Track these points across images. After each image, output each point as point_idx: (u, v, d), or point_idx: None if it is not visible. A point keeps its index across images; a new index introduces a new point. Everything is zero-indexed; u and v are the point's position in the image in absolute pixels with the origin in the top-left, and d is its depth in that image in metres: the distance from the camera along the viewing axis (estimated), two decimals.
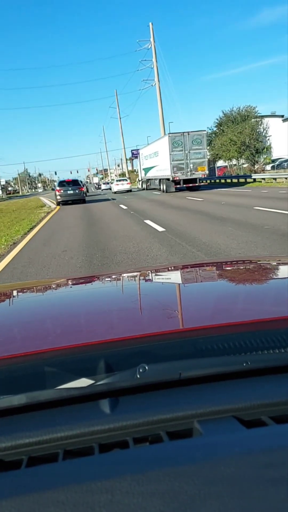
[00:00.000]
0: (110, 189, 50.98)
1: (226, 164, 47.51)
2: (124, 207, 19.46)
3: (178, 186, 28.30)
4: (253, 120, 43.39)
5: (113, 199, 29.26)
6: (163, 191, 30.22)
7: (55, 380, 0.73)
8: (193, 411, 0.64)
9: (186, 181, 27.98)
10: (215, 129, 47.33)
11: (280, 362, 0.73)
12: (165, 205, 18.60)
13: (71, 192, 26.91)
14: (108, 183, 64.19)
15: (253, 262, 1.95)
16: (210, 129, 46.27)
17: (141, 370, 0.70)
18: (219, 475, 0.48)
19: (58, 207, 23.26)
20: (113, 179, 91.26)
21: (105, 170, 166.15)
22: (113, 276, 1.88)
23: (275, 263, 1.77)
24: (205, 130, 28.24)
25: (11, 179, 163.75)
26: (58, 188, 27.42)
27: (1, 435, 0.62)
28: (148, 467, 0.50)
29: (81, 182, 29.41)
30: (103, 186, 65.62)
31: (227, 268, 1.78)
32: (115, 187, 40.72)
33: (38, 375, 0.75)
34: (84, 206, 22.99)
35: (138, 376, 0.69)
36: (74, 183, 27.74)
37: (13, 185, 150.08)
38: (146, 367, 0.70)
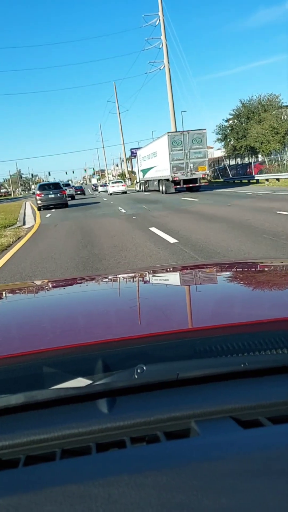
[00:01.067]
0: (106, 190, 52.75)
1: (262, 158, 35.56)
2: (123, 211, 18.75)
3: (178, 186, 27.33)
4: (276, 111, 36.91)
5: (109, 203, 27.75)
6: (162, 192, 29.27)
7: (53, 379, 0.73)
8: (191, 411, 0.64)
9: (186, 181, 27.03)
10: (230, 122, 41.30)
11: (277, 363, 0.74)
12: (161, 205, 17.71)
13: (53, 196, 25.55)
14: (105, 185, 64.24)
15: (251, 264, 1.97)
16: (224, 121, 42.02)
17: (139, 371, 0.70)
18: (216, 475, 0.48)
19: (37, 226, 15.15)
20: (109, 180, 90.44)
21: (102, 170, 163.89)
22: (111, 277, 1.87)
23: (272, 265, 1.81)
24: (205, 129, 27.33)
25: (2, 181, 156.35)
26: (38, 192, 25.96)
27: None
28: (145, 467, 0.50)
29: (71, 183, 29.72)
30: (100, 188, 65.19)
31: (225, 270, 1.78)
32: (111, 189, 42.27)
33: (37, 374, 0.75)
34: (82, 221, 14.75)
35: (136, 376, 0.70)
36: (56, 186, 26.41)
37: (7, 186, 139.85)
38: (144, 368, 0.71)
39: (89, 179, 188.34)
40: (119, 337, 0.84)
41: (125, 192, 41.40)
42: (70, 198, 36.93)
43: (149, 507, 0.45)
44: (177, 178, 26.92)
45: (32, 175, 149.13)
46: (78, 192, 54.25)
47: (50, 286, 1.80)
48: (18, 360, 0.78)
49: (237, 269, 1.74)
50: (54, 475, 0.51)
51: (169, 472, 0.49)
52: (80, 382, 0.72)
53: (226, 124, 42.26)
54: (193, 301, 1.20)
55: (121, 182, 44.10)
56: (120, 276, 1.84)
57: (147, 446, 0.61)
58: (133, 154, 71.34)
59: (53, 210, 24.17)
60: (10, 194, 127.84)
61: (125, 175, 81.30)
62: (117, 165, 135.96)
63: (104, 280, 1.79)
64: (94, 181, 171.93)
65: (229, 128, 41.86)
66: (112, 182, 44.95)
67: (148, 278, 1.70)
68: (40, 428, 0.63)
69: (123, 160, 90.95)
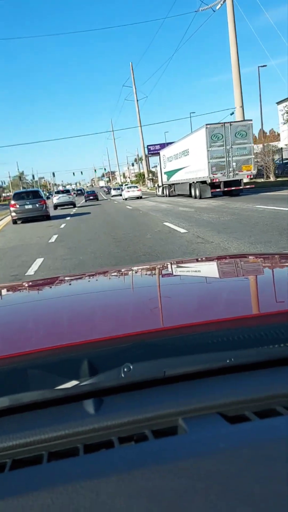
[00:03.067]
0: (121, 195, 51.05)
1: None
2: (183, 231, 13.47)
3: (218, 189, 22.65)
4: None
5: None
6: (195, 197, 24.64)
7: (39, 381, 0.73)
8: (178, 408, 0.64)
9: (227, 183, 22.36)
10: None
11: (263, 357, 0.75)
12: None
13: (30, 206, 21.54)
14: (118, 188, 62.31)
15: (237, 259, 1.93)
16: None
17: (125, 370, 0.71)
18: (205, 471, 0.48)
19: None
20: (121, 184, 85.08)
21: (112, 172, 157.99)
22: (96, 276, 1.86)
23: (261, 260, 1.78)
24: (251, 120, 22.73)
25: (3, 183, 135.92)
26: (13, 202, 21.93)
27: None
28: (134, 466, 0.51)
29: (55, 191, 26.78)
30: (113, 192, 60.68)
31: (209, 265, 1.76)
32: (126, 194, 41.41)
33: (21, 377, 0.75)
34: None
35: (122, 375, 0.70)
36: (34, 195, 22.43)
37: (10, 190, 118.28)
38: (131, 366, 0.71)
39: (97, 182, 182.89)
40: (105, 336, 0.84)
41: (140, 197, 39.89)
42: (72, 206, 34.03)
43: (139, 507, 0.45)
44: (217, 180, 22.27)
45: (33, 176, 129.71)
46: (91, 198, 50.31)
47: (33, 286, 1.76)
48: (1, 363, 0.77)
49: (221, 265, 1.73)
50: (42, 478, 0.51)
51: (157, 470, 0.49)
52: (66, 383, 0.72)
53: None
54: (178, 298, 1.19)
55: (136, 186, 44.27)
56: (104, 274, 1.84)
57: (135, 445, 0.60)
58: (151, 152, 65.05)
59: (58, 227, 16.27)
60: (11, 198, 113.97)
61: (143, 175, 74.01)
62: (132, 164, 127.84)
63: (88, 279, 1.78)
64: (102, 183, 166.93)
65: None
66: (127, 187, 44.44)
67: (134, 275, 1.68)
68: (26, 431, 0.62)
69: (140, 159, 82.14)
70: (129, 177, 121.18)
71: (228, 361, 0.73)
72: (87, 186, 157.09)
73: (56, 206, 33.92)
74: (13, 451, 0.60)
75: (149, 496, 0.46)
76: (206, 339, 0.80)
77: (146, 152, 67.45)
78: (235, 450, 0.52)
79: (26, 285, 1.81)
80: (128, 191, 42.23)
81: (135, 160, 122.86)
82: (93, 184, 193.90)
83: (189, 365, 0.73)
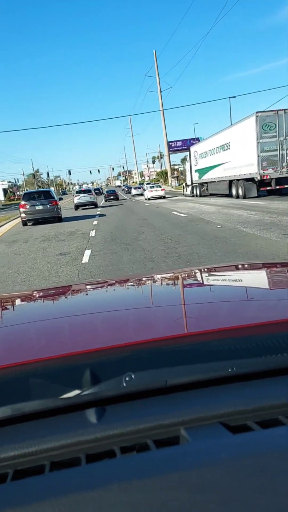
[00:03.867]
0: (142, 194, 49.24)
1: None
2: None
3: (268, 187, 19.49)
4: None
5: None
6: (238, 197, 21.53)
7: (41, 391, 0.73)
8: (180, 418, 0.64)
9: (279, 180, 19.20)
10: None
11: (265, 366, 0.74)
12: None
13: (40, 207, 20.29)
14: (139, 187, 57.87)
15: (241, 268, 1.94)
16: None
17: (127, 379, 0.70)
18: (207, 482, 0.48)
19: None
20: (140, 183, 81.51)
21: (129, 171, 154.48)
22: (98, 285, 1.88)
23: (263, 269, 1.78)
24: None
25: (14, 181, 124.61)
26: (22, 202, 20.78)
27: None
28: (136, 476, 0.50)
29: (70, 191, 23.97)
30: (134, 191, 57.12)
31: (212, 275, 1.76)
32: (149, 193, 38.80)
33: (23, 386, 0.75)
34: None
35: (124, 384, 0.70)
36: (45, 195, 21.04)
37: (25, 188, 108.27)
38: (132, 376, 0.71)
39: (113, 181, 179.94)
40: (107, 345, 0.84)
41: (163, 197, 36.98)
42: (93, 206, 31.82)
43: None
44: (268, 177, 19.15)
45: (48, 174, 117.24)
46: (111, 197, 47.75)
47: (36, 295, 1.74)
48: (3, 372, 0.76)
49: (224, 274, 1.72)
50: (44, 488, 0.50)
51: (159, 480, 0.49)
52: (68, 392, 0.71)
53: None
54: (180, 307, 1.19)
55: (159, 185, 41.39)
56: (107, 283, 1.84)
57: (137, 455, 0.60)
58: (172, 149, 61.82)
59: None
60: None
61: (165, 173, 68.08)
62: (153, 162, 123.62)
63: (90, 288, 1.78)
64: (118, 182, 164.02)
65: None
66: (150, 186, 41.68)
67: (135, 285, 1.68)
68: (28, 441, 0.62)
69: (162, 155, 77.88)
70: (148, 176, 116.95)
71: (230, 370, 0.72)
72: (103, 186, 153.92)
73: (77, 207, 32.11)
74: (15, 461, 0.60)
75: (151, 507, 0.45)
76: (208, 348, 0.80)
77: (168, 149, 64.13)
78: (237, 460, 0.51)
79: (29, 294, 1.81)
80: (151, 191, 39.54)
81: (154, 158, 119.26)
82: (108, 183, 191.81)
83: (190, 374, 0.73)
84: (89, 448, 0.61)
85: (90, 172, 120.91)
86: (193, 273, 1.86)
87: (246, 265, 2.02)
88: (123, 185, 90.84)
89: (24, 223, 20.72)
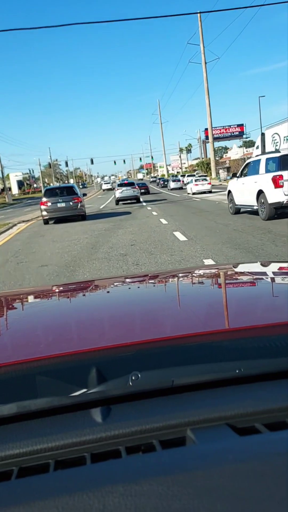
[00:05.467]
0: (181, 188, 43.57)
1: None
2: None
3: None
4: None
5: None
6: None
7: (47, 388, 0.73)
8: (186, 419, 0.64)
9: None
10: None
11: (273, 368, 0.74)
12: None
13: (63, 205, 18.93)
14: (178, 180, 49.65)
15: (249, 268, 1.91)
16: None
17: (133, 378, 0.70)
18: (213, 483, 0.48)
19: None
20: (175, 175, 71.88)
21: (153, 164, 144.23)
22: (105, 283, 1.86)
23: (272, 269, 1.76)
24: None
25: (28, 171, 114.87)
26: (44, 199, 19.34)
27: None
28: (141, 476, 0.50)
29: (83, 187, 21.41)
30: (172, 184, 47.93)
31: (220, 275, 1.72)
32: (194, 188, 33.12)
33: (29, 384, 0.74)
34: None
35: (130, 383, 0.70)
36: (68, 191, 19.55)
37: (41, 180, 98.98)
38: (139, 375, 0.70)
39: (135, 173, 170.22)
40: (113, 344, 0.83)
41: (210, 192, 31.69)
42: (135, 201, 28.90)
43: None
44: None
45: (66, 163, 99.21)
46: (142, 191, 40.03)
47: (43, 293, 1.73)
48: (10, 369, 0.76)
49: (232, 274, 1.70)
50: (48, 487, 0.50)
51: (165, 481, 0.48)
52: (74, 390, 0.70)
53: None
54: (188, 307, 1.17)
55: (206, 179, 34.94)
56: (114, 282, 1.81)
57: (143, 455, 0.60)
58: (207, 138, 52.67)
59: None
60: (41, 191, 61.15)
61: (207, 164, 56.00)
62: (187, 152, 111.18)
63: (98, 286, 1.76)
64: (140, 175, 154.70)
65: None
66: (195, 179, 35.00)
67: (142, 284, 1.67)
68: (33, 439, 0.62)
69: (204, 141, 62.36)
70: (179, 168, 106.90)
71: (237, 371, 0.72)
72: (122, 179, 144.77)
73: (118, 201, 29.11)
74: (19, 458, 0.60)
75: (155, 508, 0.45)
76: (215, 349, 0.79)
77: (203, 137, 55.11)
78: (244, 463, 0.50)
79: (36, 291, 1.78)
80: (197, 184, 33.18)
81: (182, 149, 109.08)
82: (129, 176, 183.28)
83: (197, 375, 0.72)
84: (94, 447, 0.61)
85: (115, 162, 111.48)
86: (201, 273, 1.83)
87: (255, 265, 2.01)
88: (158, 178, 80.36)
89: (46, 222, 19.09)
